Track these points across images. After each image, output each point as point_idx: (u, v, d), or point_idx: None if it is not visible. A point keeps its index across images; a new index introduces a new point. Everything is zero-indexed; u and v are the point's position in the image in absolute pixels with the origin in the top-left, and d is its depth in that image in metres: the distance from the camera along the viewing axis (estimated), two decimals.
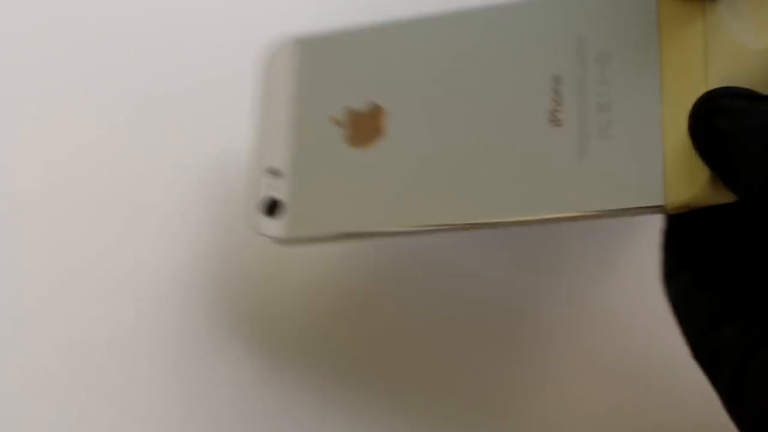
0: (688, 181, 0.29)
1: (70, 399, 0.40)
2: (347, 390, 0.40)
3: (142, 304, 0.41)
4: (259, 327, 0.40)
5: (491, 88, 0.33)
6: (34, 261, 0.41)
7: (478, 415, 0.39)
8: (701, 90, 0.29)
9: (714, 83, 0.29)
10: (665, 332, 0.32)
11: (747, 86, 0.29)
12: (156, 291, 0.41)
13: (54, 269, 0.41)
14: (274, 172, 0.35)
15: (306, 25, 0.37)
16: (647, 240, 0.33)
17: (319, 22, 0.36)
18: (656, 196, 0.30)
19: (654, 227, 0.32)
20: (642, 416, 0.38)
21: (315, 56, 0.35)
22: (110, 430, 0.39)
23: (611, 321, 0.39)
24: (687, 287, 0.30)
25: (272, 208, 0.35)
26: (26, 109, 0.43)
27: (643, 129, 0.30)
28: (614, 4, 0.32)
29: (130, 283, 0.41)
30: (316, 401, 0.40)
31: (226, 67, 0.42)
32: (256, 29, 0.38)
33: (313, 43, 0.36)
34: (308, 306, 0.41)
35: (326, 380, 0.40)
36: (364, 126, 0.34)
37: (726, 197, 0.29)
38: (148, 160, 0.42)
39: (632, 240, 0.40)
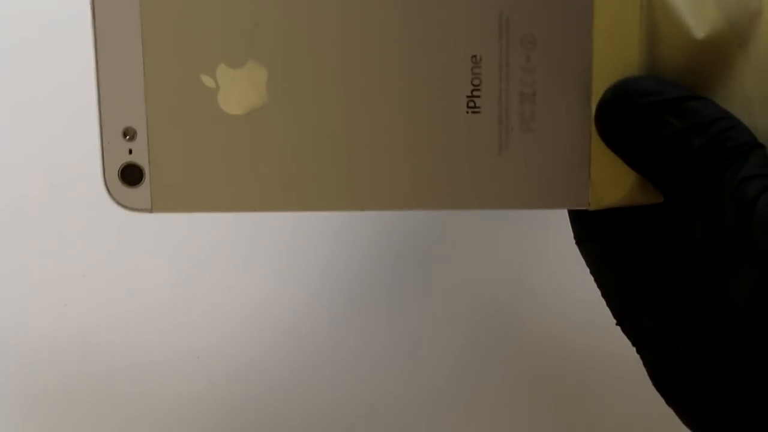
0: (615, 183, 0.29)
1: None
2: None
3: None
4: None
5: (399, 60, 0.29)
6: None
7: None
8: None
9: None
10: None
11: (682, 75, 0.29)
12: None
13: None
14: (131, 134, 0.30)
15: None
16: None
17: None
18: (581, 198, 0.30)
19: None
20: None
21: None
22: None
23: None
24: (597, 258, 0.31)
25: (132, 175, 0.30)
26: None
27: (569, 124, 0.29)
28: None
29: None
30: None
31: None
32: None
33: None
34: None
35: None
36: (240, 87, 0.30)
37: (652, 198, 0.29)
38: None
39: None
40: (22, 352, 0.40)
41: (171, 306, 0.40)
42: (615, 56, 0.29)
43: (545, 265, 0.40)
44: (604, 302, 0.31)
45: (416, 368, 0.40)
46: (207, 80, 0.30)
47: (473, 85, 0.29)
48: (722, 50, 0.28)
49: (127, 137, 0.30)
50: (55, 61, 0.41)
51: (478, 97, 0.29)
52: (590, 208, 0.30)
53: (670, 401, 0.30)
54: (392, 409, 0.40)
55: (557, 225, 0.34)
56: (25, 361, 0.40)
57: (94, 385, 0.40)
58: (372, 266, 0.40)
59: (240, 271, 0.40)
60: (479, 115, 0.29)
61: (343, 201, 0.30)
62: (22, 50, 0.41)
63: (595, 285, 0.31)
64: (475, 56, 0.29)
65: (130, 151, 0.30)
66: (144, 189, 0.30)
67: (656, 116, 0.28)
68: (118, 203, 0.30)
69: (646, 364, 0.31)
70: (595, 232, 0.31)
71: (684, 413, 0.30)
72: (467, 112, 0.29)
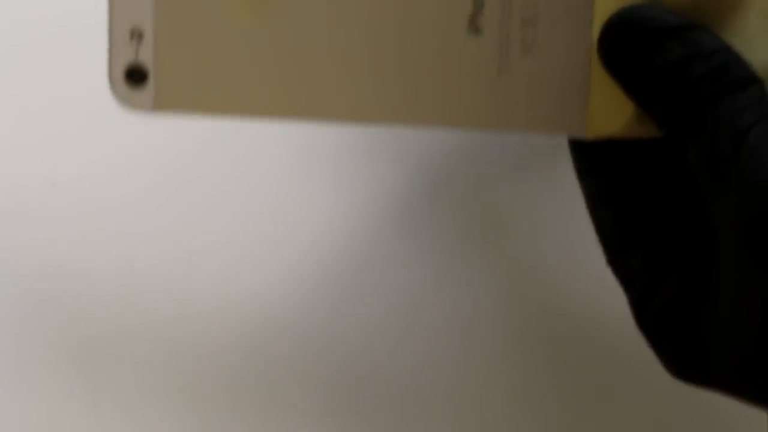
0: (614, 113, 0.29)
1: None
2: None
3: None
4: None
5: None
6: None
7: None
8: None
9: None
10: None
11: (684, 8, 0.29)
12: None
13: None
14: (138, 34, 0.31)
15: None
16: None
17: None
18: (578, 126, 0.30)
19: None
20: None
21: None
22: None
23: None
24: (594, 194, 0.31)
25: (137, 75, 0.31)
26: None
27: (570, 51, 0.29)
28: None
29: None
30: None
31: None
32: None
33: None
34: None
35: None
36: None
37: (650, 132, 0.29)
38: None
39: None
40: (21, 349, 0.41)
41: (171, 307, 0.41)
42: None
43: None
44: None
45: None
46: None
47: (476, 5, 0.29)
48: None
49: (134, 38, 0.30)
50: (55, 60, 0.41)
51: (480, 18, 0.29)
52: (587, 137, 0.30)
53: (651, 343, 0.30)
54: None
55: None
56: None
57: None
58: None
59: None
60: (480, 36, 0.30)
61: (342, 110, 0.30)
62: (23, 50, 0.41)
63: None
64: None
65: (137, 52, 0.31)
66: (148, 89, 0.31)
67: (659, 42, 0.28)
68: (122, 102, 0.31)
69: (630, 304, 0.30)
70: (594, 166, 0.31)
71: (664, 355, 0.30)
72: (468, 33, 0.30)
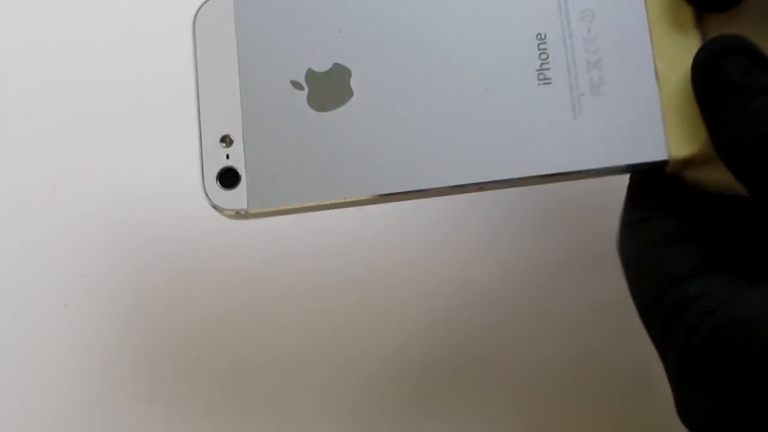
0: (690, 135, 0.30)
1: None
2: None
3: None
4: None
5: (470, 48, 0.32)
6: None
7: None
8: (694, 42, 0.31)
9: (707, 33, 0.31)
10: None
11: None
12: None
13: None
14: (228, 141, 0.32)
15: None
16: None
17: None
18: (659, 151, 0.31)
19: None
20: None
21: (260, 12, 0.33)
22: None
23: None
24: (668, 238, 0.31)
25: (229, 179, 0.32)
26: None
27: (637, 84, 0.31)
28: None
29: None
30: None
31: None
32: None
33: None
34: None
35: None
36: (327, 88, 0.32)
37: None
38: None
39: None
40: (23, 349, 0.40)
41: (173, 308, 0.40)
42: (669, 13, 0.31)
43: None
44: None
45: None
46: (296, 84, 0.32)
47: (541, 59, 0.31)
48: None
49: (224, 144, 0.32)
50: (54, 59, 0.43)
51: (548, 69, 0.31)
52: (670, 165, 0.30)
53: None
54: None
55: None
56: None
57: None
58: None
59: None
60: (550, 85, 0.31)
61: (432, 178, 0.31)
62: (22, 50, 0.43)
63: None
64: (540, 34, 0.32)
65: (228, 156, 0.32)
66: (240, 190, 0.32)
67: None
68: (216, 206, 0.32)
69: (675, 338, 0.29)
70: (667, 209, 0.31)
71: None
72: (539, 84, 0.31)
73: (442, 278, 0.40)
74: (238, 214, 0.32)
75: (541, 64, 0.31)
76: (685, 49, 0.31)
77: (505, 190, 0.32)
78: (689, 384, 0.28)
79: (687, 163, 0.31)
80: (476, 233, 0.41)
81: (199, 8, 0.33)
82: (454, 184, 0.31)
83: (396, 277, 0.40)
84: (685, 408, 0.29)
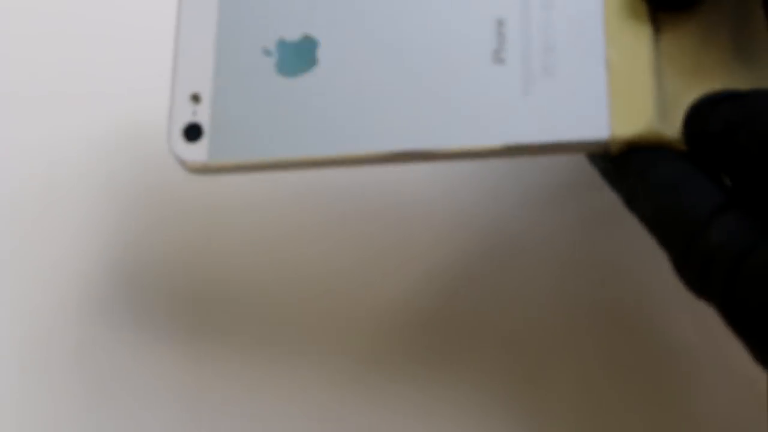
0: (634, 117, 0.31)
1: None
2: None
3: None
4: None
5: (432, 26, 0.33)
6: None
7: None
8: (645, 34, 0.32)
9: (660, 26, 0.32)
10: None
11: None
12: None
13: None
14: (196, 98, 0.34)
15: None
16: None
17: None
18: (601, 129, 0.32)
19: None
20: None
21: None
22: None
23: None
24: (681, 177, 0.30)
25: (194, 133, 0.34)
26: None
27: (587, 68, 0.32)
28: None
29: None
30: None
31: None
32: None
33: None
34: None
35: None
36: (295, 56, 0.34)
37: (671, 131, 0.31)
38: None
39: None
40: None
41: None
42: (625, 8, 0.32)
43: None
44: None
45: None
46: (266, 51, 0.34)
47: (498, 42, 0.33)
48: None
49: (194, 100, 0.34)
50: (53, 57, 0.43)
51: (504, 50, 0.33)
52: (611, 145, 0.31)
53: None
54: None
55: None
56: None
57: None
58: None
59: None
60: (504, 66, 0.33)
61: (383, 140, 0.33)
62: (22, 49, 0.43)
63: None
64: (500, 19, 0.33)
65: (194, 113, 0.34)
66: (202, 144, 0.34)
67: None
68: (179, 159, 0.34)
69: (714, 285, 0.29)
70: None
71: None
72: (493, 64, 0.33)
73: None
74: (201, 168, 0.34)
75: (498, 46, 0.33)
76: (636, 39, 0.32)
77: None
78: (752, 334, 0.28)
79: (631, 144, 0.31)
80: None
81: None
82: (398, 149, 0.33)
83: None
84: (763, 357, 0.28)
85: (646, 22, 0.32)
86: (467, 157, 0.33)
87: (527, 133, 0.32)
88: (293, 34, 0.34)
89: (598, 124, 0.32)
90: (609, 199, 0.34)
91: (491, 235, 0.41)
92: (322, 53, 0.34)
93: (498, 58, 0.33)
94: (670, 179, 0.30)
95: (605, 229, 0.40)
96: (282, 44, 0.34)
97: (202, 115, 0.34)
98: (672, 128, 0.31)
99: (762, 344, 0.28)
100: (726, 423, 0.37)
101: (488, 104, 0.32)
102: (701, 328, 0.38)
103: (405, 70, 0.33)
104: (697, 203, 0.29)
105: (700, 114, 0.30)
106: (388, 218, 0.41)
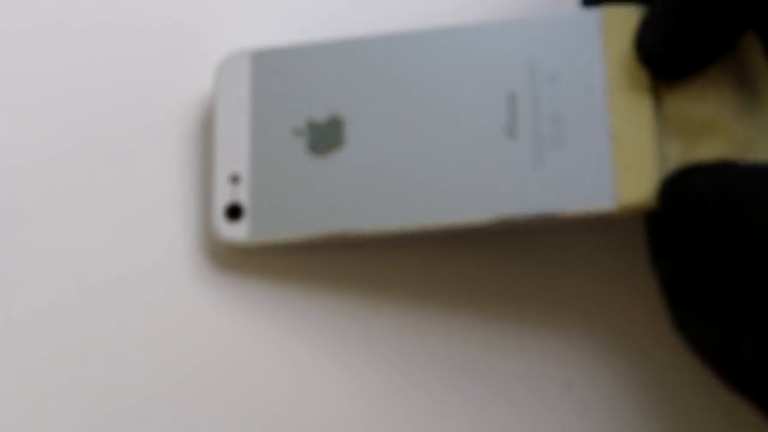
0: (638, 186, 0.34)
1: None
2: None
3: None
4: None
5: (449, 104, 0.36)
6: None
7: None
8: (647, 103, 0.34)
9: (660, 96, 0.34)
10: None
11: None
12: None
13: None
14: (235, 178, 0.37)
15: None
16: None
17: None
18: (607, 199, 0.34)
19: None
20: None
21: (272, 69, 0.38)
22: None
23: None
24: (700, 320, 0.32)
25: (234, 213, 0.37)
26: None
27: (592, 139, 0.34)
28: (561, 30, 0.36)
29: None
30: None
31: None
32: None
33: (270, 56, 0.38)
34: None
35: None
36: (324, 136, 0.37)
37: None
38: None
39: None
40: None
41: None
42: (625, 76, 0.34)
43: None
44: None
45: None
46: (297, 131, 0.37)
47: (511, 116, 0.35)
48: None
49: (233, 181, 0.37)
50: (54, 61, 0.42)
51: (515, 125, 0.35)
52: (618, 212, 0.33)
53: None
54: None
55: None
56: None
57: None
58: None
59: None
60: (516, 140, 0.35)
61: (410, 214, 0.35)
62: (22, 49, 0.43)
63: None
64: (511, 95, 0.35)
65: (234, 193, 0.37)
66: (243, 223, 0.36)
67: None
68: (221, 238, 0.36)
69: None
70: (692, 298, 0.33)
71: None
72: (506, 138, 0.35)
73: None
74: (242, 245, 0.37)
75: (511, 121, 0.35)
76: (638, 109, 0.34)
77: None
78: None
79: (635, 211, 0.33)
80: None
81: (221, 61, 0.38)
82: (424, 224, 0.35)
83: None
84: None
85: (647, 89, 0.34)
86: (482, 227, 0.35)
87: (538, 205, 0.34)
88: (321, 115, 0.37)
89: (604, 193, 0.34)
90: None
91: None
92: (348, 132, 0.36)
93: (511, 132, 0.35)
94: None
95: None
96: (311, 125, 0.37)
97: (241, 195, 0.37)
98: None
99: None
100: None
101: (503, 177, 0.35)
102: None
103: (424, 150, 0.36)
104: None
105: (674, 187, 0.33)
106: None
